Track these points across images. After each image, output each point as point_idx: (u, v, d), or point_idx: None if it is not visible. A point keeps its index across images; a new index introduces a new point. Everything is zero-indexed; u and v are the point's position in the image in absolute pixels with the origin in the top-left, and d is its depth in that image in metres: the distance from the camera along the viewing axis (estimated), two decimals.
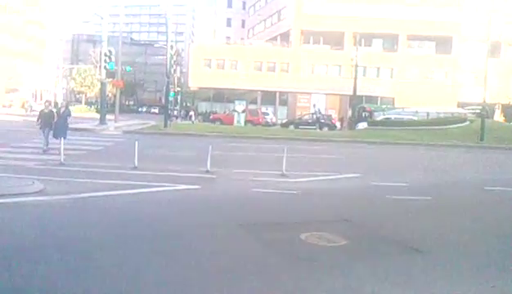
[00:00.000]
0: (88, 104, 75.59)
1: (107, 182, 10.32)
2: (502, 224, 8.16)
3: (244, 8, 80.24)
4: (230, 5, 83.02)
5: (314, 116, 44.67)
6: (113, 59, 30.89)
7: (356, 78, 41.75)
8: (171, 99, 46.71)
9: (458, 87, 57.69)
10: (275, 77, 57.26)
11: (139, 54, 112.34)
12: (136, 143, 12.81)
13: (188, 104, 67.85)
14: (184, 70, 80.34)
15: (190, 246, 6.10)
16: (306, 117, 46.00)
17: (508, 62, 58.37)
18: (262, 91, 56.91)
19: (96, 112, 46.91)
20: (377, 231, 7.22)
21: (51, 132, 15.83)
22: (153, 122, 38.17)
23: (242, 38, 73.53)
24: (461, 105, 51.50)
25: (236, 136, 26.87)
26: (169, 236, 6.48)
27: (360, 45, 46.54)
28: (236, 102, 45.77)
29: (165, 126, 30.47)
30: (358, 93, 43.01)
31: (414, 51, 60.20)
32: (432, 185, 12.23)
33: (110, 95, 53.27)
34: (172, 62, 42.82)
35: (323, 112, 49.86)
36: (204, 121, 48.79)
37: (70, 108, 17.65)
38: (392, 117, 40.52)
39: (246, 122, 43.13)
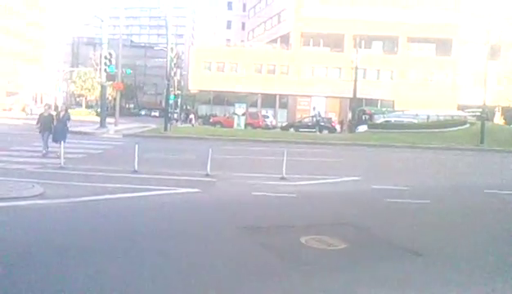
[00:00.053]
0: (89, 107, 75.50)
1: (107, 186, 10.32)
2: (503, 228, 8.16)
3: (244, 10, 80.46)
4: (230, 7, 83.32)
5: (314, 119, 44.73)
6: (113, 61, 30.84)
7: (356, 81, 41.78)
8: (171, 102, 46.70)
9: (458, 90, 57.69)
10: (275, 80, 57.30)
11: (139, 56, 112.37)
12: (137, 146, 12.80)
13: (188, 107, 67.84)
14: (184, 73, 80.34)
15: (190, 249, 6.11)
16: (306, 120, 46.08)
17: (508, 64, 58.35)
18: (262, 94, 56.97)
19: (96, 115, 46.83)
20: (377, 234, 7.22)
21: (51, 136, 15.81)
22: (153, 126, 38.16)
23: (242, 41, 73.64)
24: (461, 108, 51.47)
25: (236, 139, 26.90)
26: (169, 239, 6.49)
27: (360, 47, 46.58)
28: (236, 105, 45.83)
29: (165, 129, 30.40)
30: (358, 96, 43.05)
31: (414, 54, 60.25)
32: (432, 188, 12.25)
33: (110, 98, 53.24)
34: (173, 65, 42.94)
35: (323, 115, 49.93)
36: (204, 124, 48.82)
37: (69, 111, 17.59)
38: (393, 119, 40.42)
39: (246, 125, 43.18)
